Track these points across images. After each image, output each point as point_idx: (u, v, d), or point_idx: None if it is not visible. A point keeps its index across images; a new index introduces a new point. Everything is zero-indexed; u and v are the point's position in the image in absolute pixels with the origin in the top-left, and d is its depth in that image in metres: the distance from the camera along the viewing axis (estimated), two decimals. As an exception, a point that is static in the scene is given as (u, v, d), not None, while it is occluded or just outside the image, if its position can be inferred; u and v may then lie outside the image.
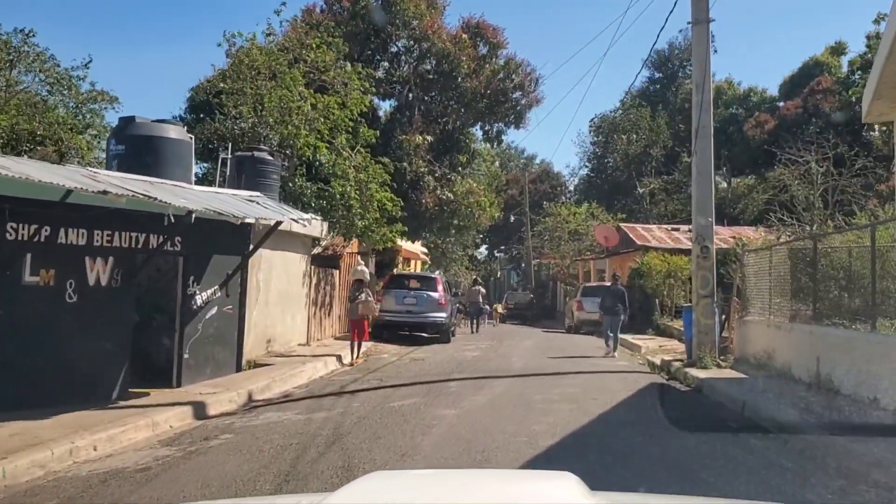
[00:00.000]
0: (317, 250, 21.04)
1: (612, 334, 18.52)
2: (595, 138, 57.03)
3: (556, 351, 19.13)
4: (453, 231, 24.15)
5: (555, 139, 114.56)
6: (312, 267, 18.82)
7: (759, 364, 12.93)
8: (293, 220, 13.43)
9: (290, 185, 19.27)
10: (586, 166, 56.49)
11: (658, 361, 15.62)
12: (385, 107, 24.93)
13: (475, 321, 27.83)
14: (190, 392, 11.82)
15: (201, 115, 19.91)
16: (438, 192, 22.42)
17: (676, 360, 14.75)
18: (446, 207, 22.61)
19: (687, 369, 12.99)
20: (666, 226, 37.88)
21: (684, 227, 37.42)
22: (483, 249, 62.25)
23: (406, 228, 20.45)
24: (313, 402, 11.03)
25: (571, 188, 59.63)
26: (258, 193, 14.54)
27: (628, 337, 22.77)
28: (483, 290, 30.19)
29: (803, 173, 29.18)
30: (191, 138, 16.00)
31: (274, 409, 10.69)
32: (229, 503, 5.00)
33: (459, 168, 23.30)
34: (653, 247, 31.97)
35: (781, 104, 46.18)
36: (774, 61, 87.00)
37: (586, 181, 57.62)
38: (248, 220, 12.59)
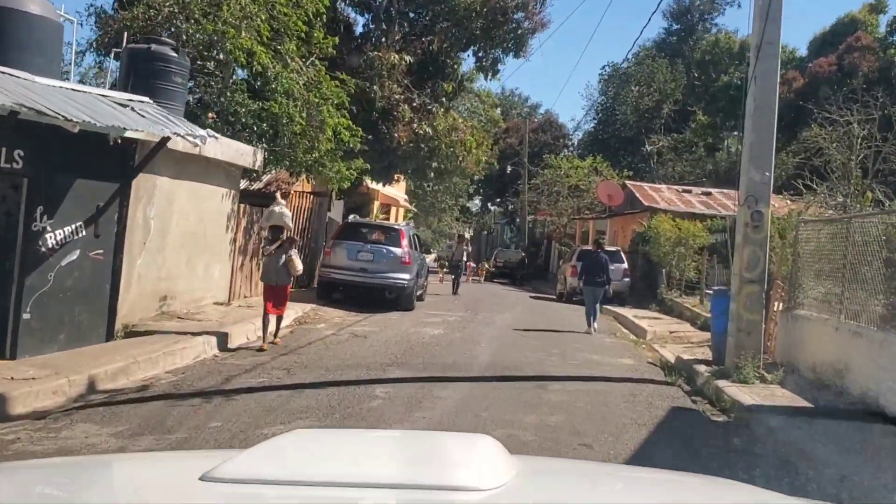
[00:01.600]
0: (256, 186, 17.01)
1: (593, 308, 15.14)
2: (604, 89, 52.61)
3: (541, 326, 15.24)
4: (431, 174, 19.99)
5: (561, 84, 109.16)
6: (243, 206, 14.78)
7: (821, 382, 9.02)
8: (177, 134, 9.34)
9: (223, 99, 15.13)
10: (594, 119, 52.07)
11: (673, 359, 11.71)
12: (361, 21, 20.58)
13: (457, 281, 24.22)
14: (5, 372, 8.03)
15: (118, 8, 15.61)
16: (415, 125, 18.21)
17: (699, 363, 10.83)
18: (423, 145, 18.43)
19: (719, 383, 9.08)
20: (676, 187, 33.73)
21: (696, 190, 33.26)
22: (477, 201, 57.99)
23: (368, 166, 16.35)
24: (160, 410, 7.14)
25: (575, 142, 55.27)
26: (144, 99, 10.44)
27: (629, 314, 18.87)
28: (468, 248, 26.32)
29: (842, 135, 25.00)
30: (73, 22, 11.90)
31: (97, 419, 6.85)
32: (137, 456, 4.17)
33: (443, 99, 19.03)
34: (661, 209, 27.93)
35: (810, 64, 41.63)
36: (803, 20, 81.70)
37: (591, 135, 53.28)
38: (99, 130, 8.54)
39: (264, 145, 15.37)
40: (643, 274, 25.31)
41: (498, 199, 59.29)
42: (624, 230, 32.20)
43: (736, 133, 49.90)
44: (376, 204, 27.50)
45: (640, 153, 50.89)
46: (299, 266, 10.73)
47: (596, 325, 15.07)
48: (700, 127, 51.42)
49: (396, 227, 16.62)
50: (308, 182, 16.58)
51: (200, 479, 1.69)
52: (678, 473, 2.89)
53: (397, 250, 15.47)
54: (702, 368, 10.22)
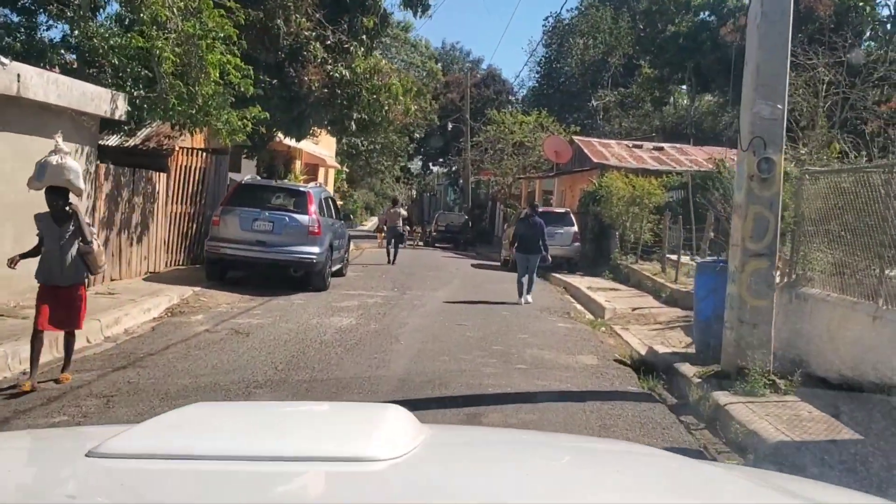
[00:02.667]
0: (133, 142, 13.82)
1: (526, 278, 13.54)
2: (548, 41, 49.84)
3: (482, 306, 12.59)
4: (353, 126, 16.89)
5: (504, 36, 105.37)
6: (106, 166, 11.66)
7: (857, 394, 6.51)
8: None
9: (78, 33, 11.93)
10: (538, 73, 49.30)
11: (643, 350, 9.15)
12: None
13: (393, 249, 21.56)
14: None
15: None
16: (329, 67, 15.14)
17: (681, 359, 8.24)
18: (340, 90, 15.36)
19: (719, 397, 6.49)
20: (626, 142, 31.26)
21: (647, 145, 30.82)
22: (418, 161, 54.76)
23: (267, 115, 13.22)
24: None
25: (519, 98, 52.44)
26: None
27: (582, 285, 16.32)
28: (404, 212, 23.45)
29: (808, 80, 22.74)
30: None
31: None
32: (18, 434, 3.62)
33: (363, 37, 15.93)
34: (612, 165, 25.44)
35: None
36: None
37: (535, 91, 50.53)
38: None
39: (140, 90, 12.24)
40: (594, 237, 22.86)
41: (441, 160, 56.28)
42: (572, 189, 29.69)
43: (684, 87, 47.87)
44: (298, 164, 24.35)
45: (587, 109, 48.47)
46: (103, 259, 7.03)
47: (530, 297, 13.29)
48: (647, 80, 49.28)
49: (302, 189, 13.47)
50: (193, 135, 13.44)
51: (87, 455, 1.56)
52: (606, 441, 3.00)
53: (303, 218, 12.48)
54: (687, 369, 7.62)
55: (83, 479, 1.53)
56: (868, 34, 32.24)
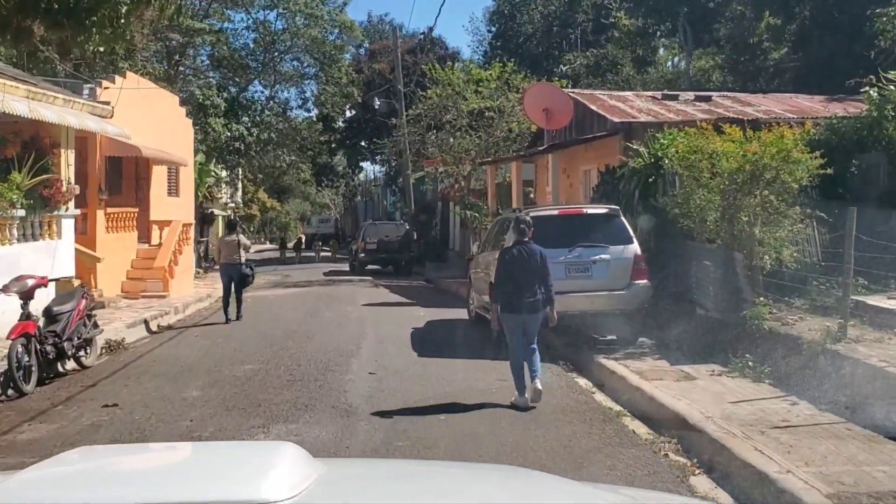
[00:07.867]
0: None
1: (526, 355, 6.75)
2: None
3: None
4: (39, 28, 4.81)
5: (444, 19, 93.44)
6: None
7: None
8: None
9: None
10: (490, 31, 37.64)
11: None
12: None
13: (234, 299, 12.02)
14: None
15: None
16: None
17: None
18: None
19: None
20: (647, 93, 19.71)
21: (686, 95, 19.17)
22: (343, 157, 42.05)
23: None
24: None
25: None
26: None
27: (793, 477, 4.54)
28: (245, 239, 12.38)
29: None
30: None
31: None
32: None
33: None
34: (650, 123, 13.97)
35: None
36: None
37: (488, 56, 38.88)
38: None
39: None
40: (654, 259, 11.00)
41: (377, 157, 43.99)
42: (570, 174, 17.96)
43: (676, 38, 36.88)
44: (69, 156, 12.15)
45: (553, 77, 37.25)
46: None
47: (538, 383, 6.61)
48: (625, 35, 38.37)
49: None
50: None
51: None
52: (504, 469, 2.75)
53: None
54: None
55: None
56: None
